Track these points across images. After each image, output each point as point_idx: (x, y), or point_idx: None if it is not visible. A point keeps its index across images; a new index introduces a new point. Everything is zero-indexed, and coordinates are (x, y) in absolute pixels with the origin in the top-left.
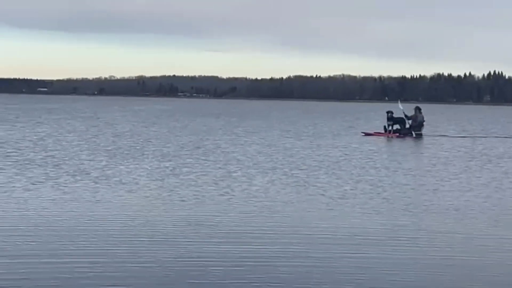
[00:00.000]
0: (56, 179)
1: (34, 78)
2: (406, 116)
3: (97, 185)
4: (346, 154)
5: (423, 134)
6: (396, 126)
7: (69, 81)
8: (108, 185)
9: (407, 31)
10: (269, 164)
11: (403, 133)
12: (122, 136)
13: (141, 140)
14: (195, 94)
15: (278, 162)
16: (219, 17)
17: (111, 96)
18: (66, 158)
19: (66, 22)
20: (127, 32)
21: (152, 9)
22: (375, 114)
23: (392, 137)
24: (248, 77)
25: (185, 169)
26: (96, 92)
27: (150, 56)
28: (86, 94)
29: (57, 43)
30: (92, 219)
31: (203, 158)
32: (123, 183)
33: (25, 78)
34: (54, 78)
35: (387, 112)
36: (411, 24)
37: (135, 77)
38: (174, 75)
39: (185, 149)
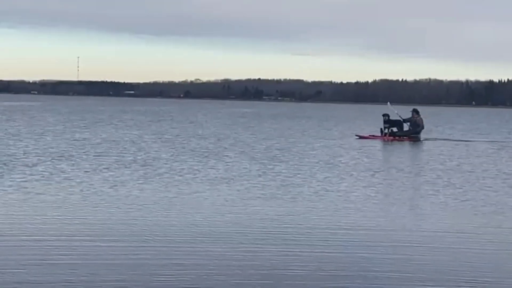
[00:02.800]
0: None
1: (121, 81)
2: (402, 119)
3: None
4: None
5: (421, 137)
6: (394, 129)
7: (155, 84)
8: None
9: (495, 34)
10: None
11: (400, 135)
12: (207, 138)
13: (234, 141)
14: (280, 98)
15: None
16: (305, 20)
17: (196, 99)
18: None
19: (153, 25)
20: (214, 35)
21: (238, 13)
22: (460, 119)
23: (388, 140)
24: (333, 80)
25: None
26: (181, 95)
27: (236, 59)
28: (171, 97)
29: (144, 47)
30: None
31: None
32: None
33: (113, 81)
34: (141, 81)
35: (383, 115)
36: (499, 27)
37: (221, 80)
38: (259, 79)
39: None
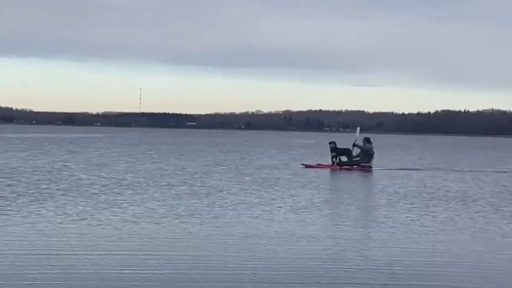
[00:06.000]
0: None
1: (183, 112)
2: (356, 145)
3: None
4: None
5: (372, 166)
6: (343, 158)
7: (216, 115)
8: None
9: None
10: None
11: (350, 164)
12: (268, 167)
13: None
14: (341, 129)
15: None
16: (366, 51)
17: (257, 130)
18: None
19: (215, 57)
20: (275, 67)
21: (299, 44)
22: None
23: (336, 169)
24: (394, 111)
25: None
26: (243, 126)
27: (297, 90)
28: (233, 128)
29: (205, 78)
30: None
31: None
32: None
33: (174, 112)
34: (202, 112)
35: (330, 143)
36: None
37: (282, 111)
38: (320, 110)
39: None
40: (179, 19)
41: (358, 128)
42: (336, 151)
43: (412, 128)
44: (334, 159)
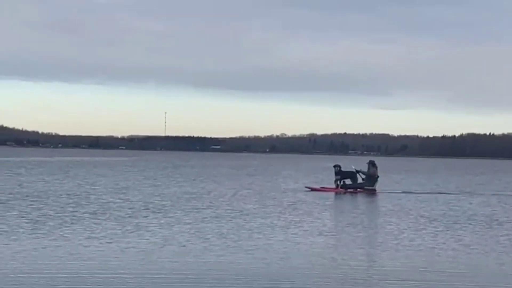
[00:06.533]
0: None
1: (208, 136)
2: (358, 171)
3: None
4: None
5: (376, 190)
6: (347, 181)
7: (241, 138)
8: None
9: None
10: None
11: (354, 187)
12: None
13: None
14: (365, 152)
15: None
16: (390, 75)
17: (282, 153)
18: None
19: (240, 80)
20: (300, 90)
21: (324, 68)
22: None
23: (341, 192)
24: (419, 134)
25: None
26: (267, 150)
27: (322, 113)
28: (257, 151)
29: (230, 101)
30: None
31: None
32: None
33: (199, 136)
34: (227, 136)
35: (335, 166)
36: None
37: (307, 134)
38: (345, 133)
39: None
40: (204, 43)
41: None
42: (340, 174)
43: (437, 151)
44: (339, 182)
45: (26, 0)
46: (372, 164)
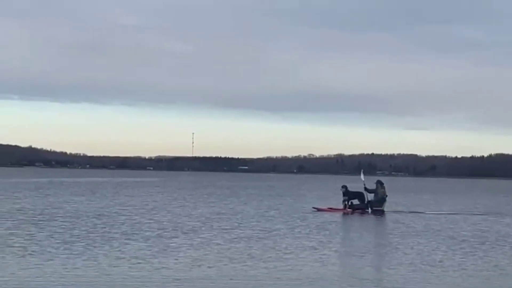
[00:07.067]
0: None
1: (235, 156)
2: (366, 189)
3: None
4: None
5: (384, 210)
6: (355, 201)
7: (268, 159)
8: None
9: None
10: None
11: (361, 208)
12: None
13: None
14: (393, 173)
15: None
16: (418, 95)
17: (309, 174)
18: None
19: (268, 101)
20: (328, 111)
21: (352, 89)
22: None
23: (348, 213)
24: (447, 155)
25: None
26: (295, 170)
27: (349, 134)
28: (285, 172)
29: (258, 122)
30: None
31: None
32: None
33: (227, 156)
34: (254, 156)
35: (342, 187)
36: None
37: (334, 155)
38: (372, 153)
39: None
40: (232, 63)
41: (362, 170)
42: (348, 194)
43: (465, 171)
44: (346, 203)
45: (55, 22)
46: (380, 184)
